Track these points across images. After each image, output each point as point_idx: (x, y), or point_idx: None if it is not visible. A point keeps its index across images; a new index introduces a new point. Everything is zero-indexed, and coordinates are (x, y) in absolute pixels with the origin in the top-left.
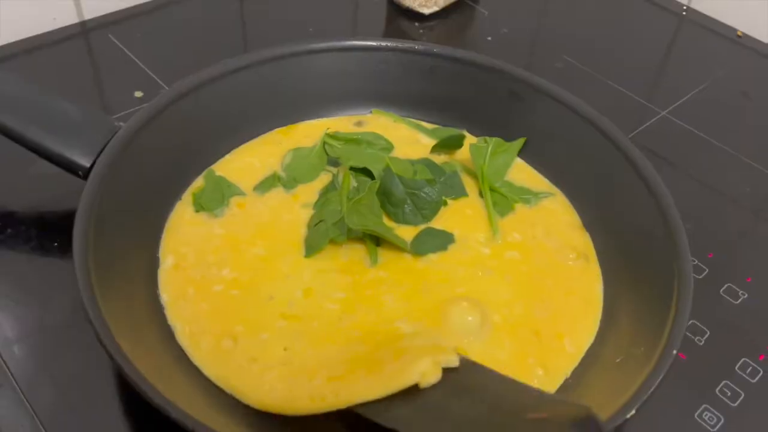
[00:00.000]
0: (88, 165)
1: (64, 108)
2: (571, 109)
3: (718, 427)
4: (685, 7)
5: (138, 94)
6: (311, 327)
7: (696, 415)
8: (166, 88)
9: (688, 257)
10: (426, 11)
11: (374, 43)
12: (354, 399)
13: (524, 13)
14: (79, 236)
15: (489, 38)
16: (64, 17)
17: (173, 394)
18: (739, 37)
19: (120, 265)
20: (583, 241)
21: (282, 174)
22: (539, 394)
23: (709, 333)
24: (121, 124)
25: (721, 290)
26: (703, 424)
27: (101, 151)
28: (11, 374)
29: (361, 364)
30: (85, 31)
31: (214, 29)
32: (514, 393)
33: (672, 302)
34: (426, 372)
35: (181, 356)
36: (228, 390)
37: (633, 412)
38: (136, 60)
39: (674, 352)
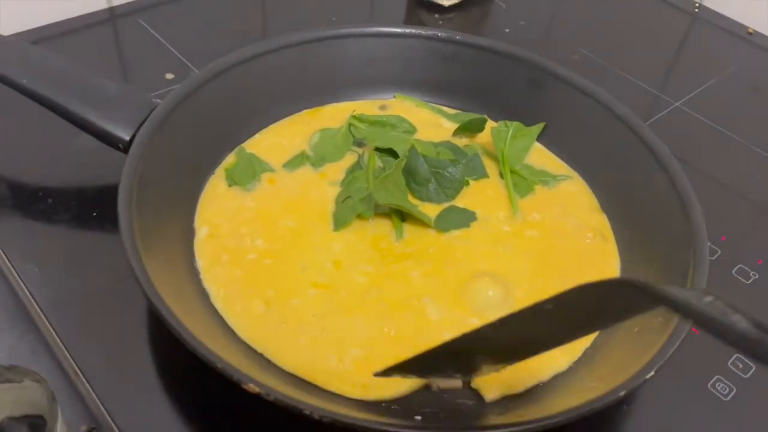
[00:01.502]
0: (128, 138)
1: (105, 85)
2: (590, 96)
3: (730, 396)
4: (697, 5)
5: (169, 76)
6: (340, 296)
7: (709, 385)
8: (196, 70)
9: (704, 234)
10: (446, 3)
11: (399, 30)
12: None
13: (542, 6)
14: (124, 201)
15: (507, 30)
16: (94, 2)
17: (216, 350)
18: (750, 34)
19: (159, 233)
20: (601, 222)
21: (310, 153)
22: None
23: None
24: (158, 101)
25: (734, 271)
26: (716, 393)
27: (140, 126)
28: (57, 335)
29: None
30: (114, 16)
31: (238, 15)
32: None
33: (689, 272)
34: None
35: (216, 318)
36: (260, 350)
37: (652, 373)
38: (166, 43)
39: None
